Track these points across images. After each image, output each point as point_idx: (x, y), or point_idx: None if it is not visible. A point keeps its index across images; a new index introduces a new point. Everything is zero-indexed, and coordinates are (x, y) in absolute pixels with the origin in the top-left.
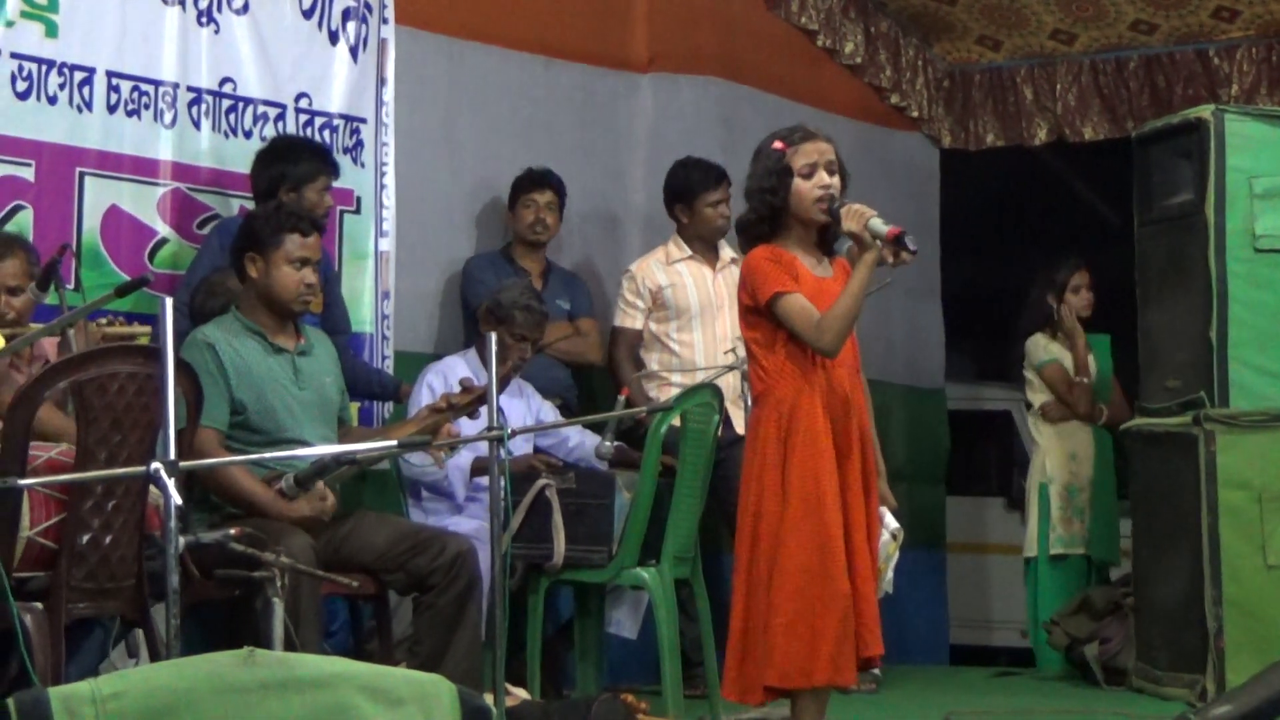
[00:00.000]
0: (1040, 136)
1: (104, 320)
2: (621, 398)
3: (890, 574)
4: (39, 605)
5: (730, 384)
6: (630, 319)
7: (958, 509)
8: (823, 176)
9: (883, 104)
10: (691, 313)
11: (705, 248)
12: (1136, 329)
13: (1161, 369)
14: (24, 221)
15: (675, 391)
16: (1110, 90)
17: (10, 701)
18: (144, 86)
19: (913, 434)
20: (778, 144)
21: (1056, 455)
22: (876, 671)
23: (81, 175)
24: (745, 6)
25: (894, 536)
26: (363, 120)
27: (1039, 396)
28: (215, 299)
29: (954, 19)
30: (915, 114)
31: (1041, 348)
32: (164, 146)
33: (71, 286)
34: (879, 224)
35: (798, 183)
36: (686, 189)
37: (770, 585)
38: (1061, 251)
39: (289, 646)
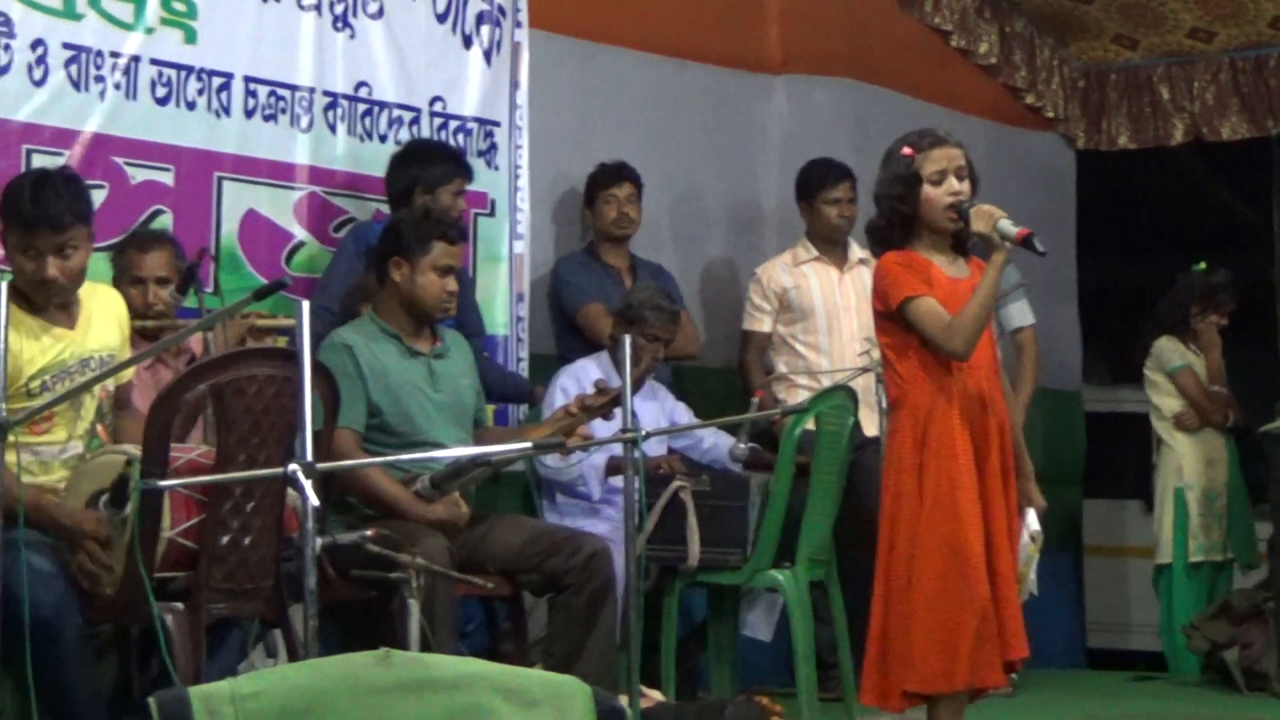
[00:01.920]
0: (1177, 136)
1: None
2: (755, 400)
3: (1033, 575)
4: (180, 605)
5: (863, 386)
6: (757, 322)
7: (1094, 512)
8: (952, 183)
9: (1017, 104)
10: (816, 314)
11: (831, 248)
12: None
13: None
14: (163, 225)
15: (802, 394)
16: (1249, 89)
17: (152, 700)
18: (280, 91)
19: (1049, 436)
20: (906, 150)
21: (1193, 461)
22: (1013, 675)
23: (219, 180)
24: (878, 7)
25: (1033, 539)
26: (496, 123)
27: (1166, 400)
28: (355, 300)
29: (1090, 18)
30: (1050, 114)
31: (1177, 353)
32: (300, 150)
33: (210, 290)
34: (1008, 225)
35: (927, 189)
36: (806, 187)
37: (909, 591)
38: (1205, 255)
39: (424, 647)
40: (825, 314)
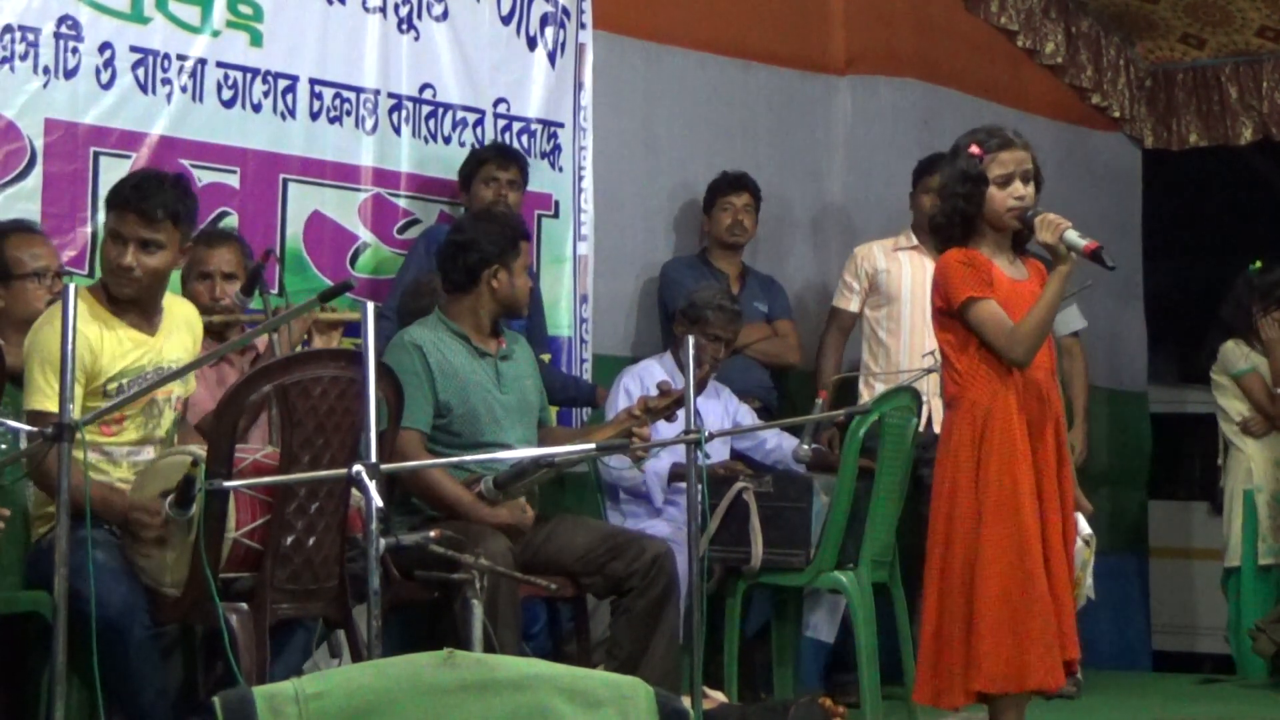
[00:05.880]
0: (1245, 136)
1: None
2: (819, 400)
3: (1090, 580)
4: (244, 606)
5: (934, 380)
6: (846, 300)
7: (1160, 513)
8: (1018, 186)
9: (1084, 104)
10: (900, 301)
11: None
12: None
13: None
14: (229, 227)
15: (879, 388)
16: None
17: (216, 700)
18: (346, 94)
19: (1115, 437)
20: (975, 149)
21: (1263, 463)
22: (1078, 676)
23: (285, 181)
24: (944, 7)
25: (1087, 543)
26: (560, 125)
27: (1233, 403)
28: (420, 300)
29: (1156, 17)
30: (1117, 114)
31: (1242, 356)
32: (365, 152)
33: (275, 291)
34: (1075, 237)
35: (992, 191)
36: (917, 176)
37: (970, 590)
38: (1269, 257)
39: (488, 648)
40: (910, 303)
